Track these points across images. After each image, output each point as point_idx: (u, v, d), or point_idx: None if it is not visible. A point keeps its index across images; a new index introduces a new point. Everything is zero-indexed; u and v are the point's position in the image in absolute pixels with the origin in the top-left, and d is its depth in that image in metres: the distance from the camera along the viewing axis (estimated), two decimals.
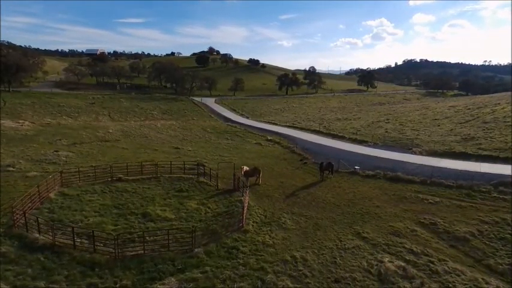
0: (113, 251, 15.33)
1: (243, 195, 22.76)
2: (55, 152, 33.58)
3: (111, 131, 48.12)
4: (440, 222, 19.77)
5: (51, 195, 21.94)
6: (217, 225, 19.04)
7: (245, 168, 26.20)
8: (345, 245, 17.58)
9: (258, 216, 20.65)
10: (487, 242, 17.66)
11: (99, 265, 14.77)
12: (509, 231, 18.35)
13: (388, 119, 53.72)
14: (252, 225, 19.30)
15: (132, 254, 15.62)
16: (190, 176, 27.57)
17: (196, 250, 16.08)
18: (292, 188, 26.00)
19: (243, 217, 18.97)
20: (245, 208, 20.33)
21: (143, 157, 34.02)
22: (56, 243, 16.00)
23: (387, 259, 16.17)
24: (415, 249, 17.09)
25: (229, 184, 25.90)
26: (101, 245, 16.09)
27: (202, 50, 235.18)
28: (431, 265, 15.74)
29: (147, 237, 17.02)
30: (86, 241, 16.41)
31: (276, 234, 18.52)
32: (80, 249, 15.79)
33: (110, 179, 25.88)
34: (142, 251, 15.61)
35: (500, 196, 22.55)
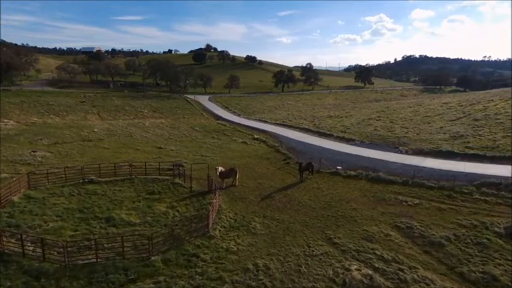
0: (63, 259, 14.55)
1: (217, 198, 21.94)
2: (32, 153, 32.80)
3: (96, 130, 47.31)
4: (417, 226, 18.94)
5: (15, 198, 21.14)
6: (182, 230, 18.25)
7: (220, 169, 25.35)
8: (313, 251, 16.76)
9: (227, 220, 19.83)
10: (462, 248, 16.83)
11: (46, 275, 14.00)
12: (487, 236, 17.52)
13: (379, 117, 52.75)
14: (219, 230, 18.49)
15: (84, 262, 14.83)
16: (166, 177, 26.77)
17: (153, 258, 15.30)
18: (270, 189, 25.17)
19: (208, 222, 18.15)
20: (213, 212, 19.55)
21: (123, 157, 33.25)
22: (6, 251, 15.23)
23: (355, 267, 15.36)
24: (386, 255, 16.27)
25: (205, 185, 25.11)
26: (54, 252, 15.32)
27: (199, 47, 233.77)
28: (401, 273, 14.91)
29: (105, 244, 16.31)
30: (39, 249, 15.62)
31: (242, 239, 17.72)
32: (30, 257, 15.02)
33: (81, 181, 25.10)
34: (94, 259, 14.82)
35: (482, 198, 21.69)
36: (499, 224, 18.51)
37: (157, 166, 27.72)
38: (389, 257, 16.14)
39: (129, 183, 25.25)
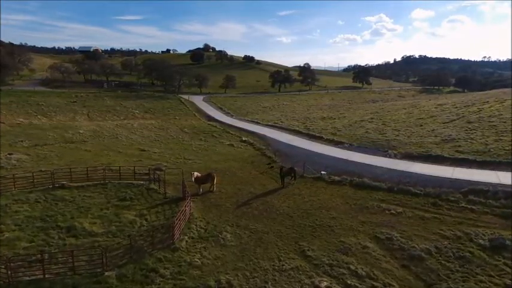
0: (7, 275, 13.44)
1: (189, 205, 20.84)
2: (8, 155, 31.71)
3: (81, 131, 46.25)
4: (397, 237, 17.81)
5: None
6: (145, 241, 17.14)
7: (196, 174, 24.23)
8: (283, 265, 15.65)
9: (197, 230, 18.72)
10: (443, 262, 15.70)
11: None
12: (470, 249, 16.39)
13: (372, 118, 51.58)
14: (186, 241, 17.38)
15: (30, 279, 13.73)
16: (142, 182, 25.68)
17: (106, 273, 14.18)
18: (248, 195, 24.04)
19: (173, 232, 17.04)
20: (182, 221, 18.48)
21: (102, 160, 32.20)
22: None
23: (325, 284, 14.27)
24: (360, 270, 15.15)
25: (181, 191, 23.99)
26: (2, 267, 14.21)
27: (198, 47, 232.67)
28: None
29: (59, 258, 15.21)
30: None
31: (209, 252, 16.61)
32: None
33: (51, 186, 24.02)
34: (42, 275, 13.71)
35: (468, 206, 20.51)
36: (484, 235, 17.38)
37: (137, 170, 26.68)
38: (364, 272, 15.03)
39: (101, 189, 24.17)
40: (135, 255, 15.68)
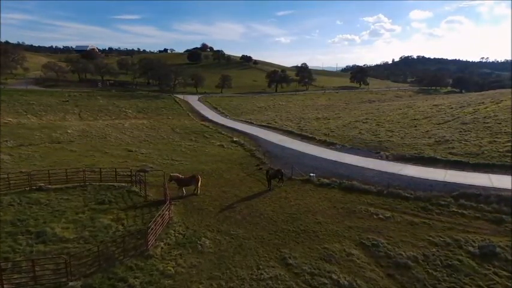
0: None
1: (169, 209, 19.98)
2: None
3: (69, 131, 45.24)
4: (384, 244, 17.01)
5: None
6: (118, 248, 16.27)
7: (176, 175, 23.35)
8: (261, 274, 14.81)
9: (175, 235, 17.86)
10: (430, 270, 14.90)
11: None
12: (459, 257, 15.59)
13: (367, 119, 50.77)
14: (162, 248, 16.53)
15: None
16: (123, 184, 24.82)
17: (71, 284, 13.33)
18: (233, 199, 23.19)
19: (147, 238, 16.17)
20: (160, 225, 17.63)
21: (86, 161, 31.30)
22: None
23: None
24: (342, 280, 14.34)
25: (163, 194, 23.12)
26: None
27: (195, 47, 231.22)
28: None
29: (23, 266, 14.33)
30: None
31: (185, 260, 15.75)
32: None
33: (28, 188, 23.12)
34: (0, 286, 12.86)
35: (459, 211, 19.75)
36: (474, 241, 16.61)
37: (121, 171, 25.84)
38: (346, 282, 14.22)
39: (80, 191, 23.28)
40: (104, 263, 14.82)
